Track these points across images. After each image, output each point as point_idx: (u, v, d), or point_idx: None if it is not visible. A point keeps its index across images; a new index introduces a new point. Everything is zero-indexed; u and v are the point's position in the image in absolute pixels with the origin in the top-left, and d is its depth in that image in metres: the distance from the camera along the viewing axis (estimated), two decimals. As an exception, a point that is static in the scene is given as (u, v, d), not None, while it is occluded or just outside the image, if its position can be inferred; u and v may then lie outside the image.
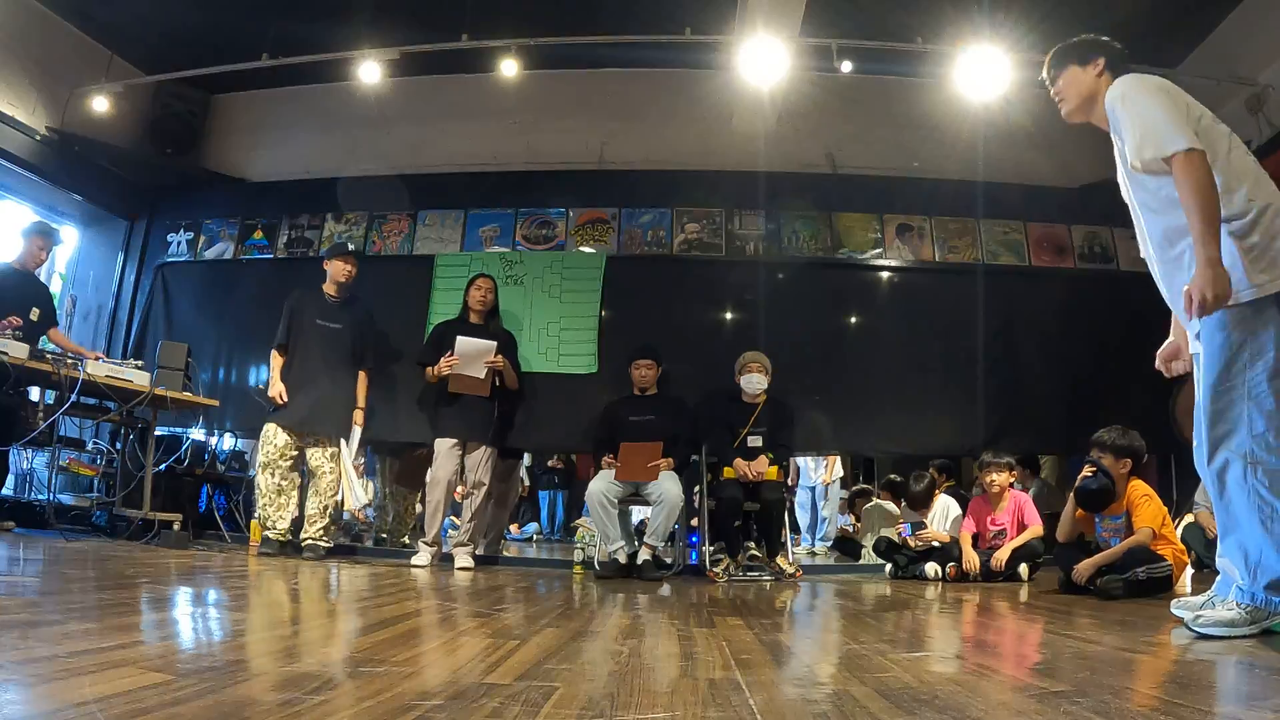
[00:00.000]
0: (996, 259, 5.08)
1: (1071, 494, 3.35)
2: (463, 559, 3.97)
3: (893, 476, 5.67)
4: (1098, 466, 3.21)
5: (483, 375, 4.12)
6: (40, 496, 4.13)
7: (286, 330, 4.20)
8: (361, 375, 4.30)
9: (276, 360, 4.20)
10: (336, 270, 4.29)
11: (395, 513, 5.13)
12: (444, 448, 4.08)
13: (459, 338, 4.12)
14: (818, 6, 4.50)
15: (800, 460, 6.73)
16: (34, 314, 4.24)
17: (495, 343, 4.16)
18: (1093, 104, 2.11)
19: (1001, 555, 3.77)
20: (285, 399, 4.06)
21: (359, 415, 4.25)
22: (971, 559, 3.80)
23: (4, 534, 3.73)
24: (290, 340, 4.20)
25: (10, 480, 4.22)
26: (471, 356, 4.10)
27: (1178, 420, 4.75)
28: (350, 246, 4.69)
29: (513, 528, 7.86)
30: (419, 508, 5.40)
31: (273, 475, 4.04)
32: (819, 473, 6.90)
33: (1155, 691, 1.26)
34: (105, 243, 5.78)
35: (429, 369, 4.20)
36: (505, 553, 5.04)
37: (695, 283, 5.03)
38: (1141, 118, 1.90)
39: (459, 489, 4.24)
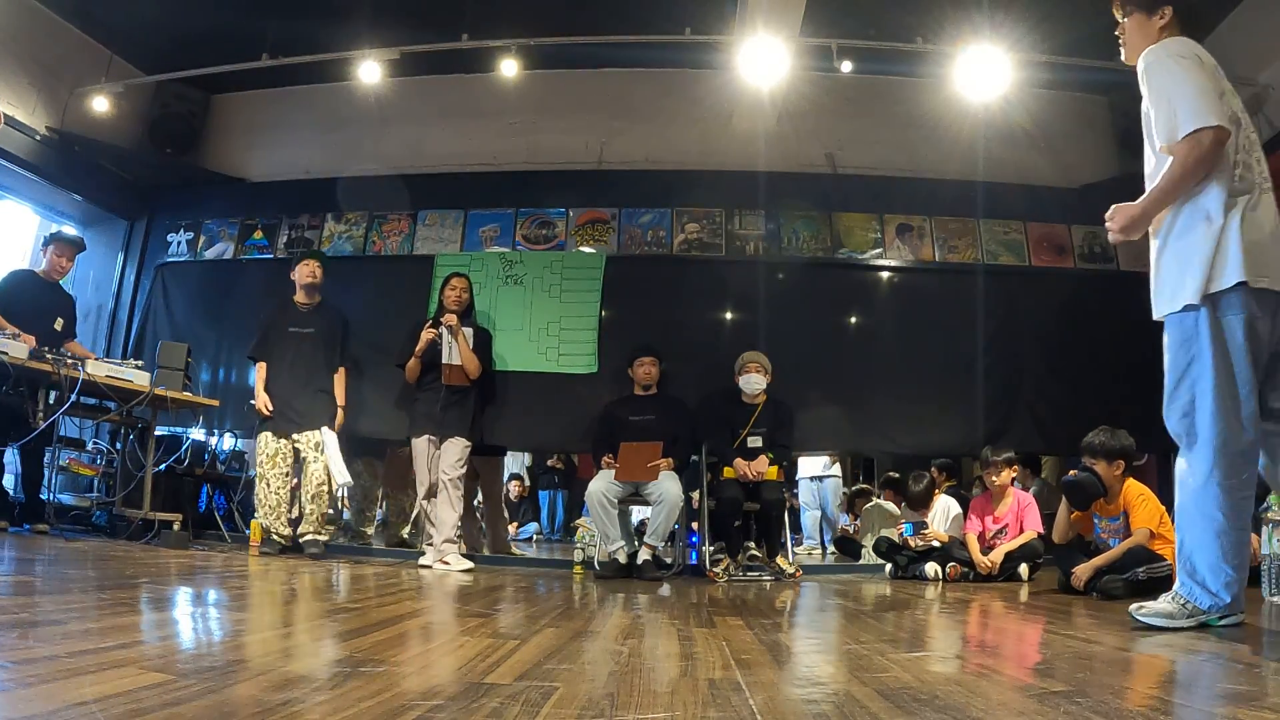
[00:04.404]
0: (996, 259, 5.08)
1: (1063, 495, 3.36)
2: (457, 560, 3.88)
3: (892, 474, 5.66)
4: (1079, 466, 3.24)
5: (446, 344, 4.11)
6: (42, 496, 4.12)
7: (258, 343, 4.33)
8: (338, 376, 4.37)
9: (261, 371, 4.30)
10: (299, 276, 4.38)
11: (399, 509, 5.13)
12: (419, 447, 4.09)
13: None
14: (818, 6, 4.49)
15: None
16: (57, 324, 4.26)
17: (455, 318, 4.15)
18: None
19: (995, 558, 3.78)
20: (270, 410, 4.18)
21: (340, 414, 4.33)
22: (982, 560, 3.80)
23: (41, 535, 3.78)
24: (267, 351, 4.30)
25: (10, 480, 4.22)
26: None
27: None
28: (316, 250, 4.75)
29: (511, 527, 7.86)
30: (421, 506, 5.40)
31: (269, 483, 4.16)
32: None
33: (1155, 691, 1.26)
34: (105, 243, 5.78)
35: (408, 365, 4.19)
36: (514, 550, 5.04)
37: (695, 283, 5.03)
38: (1167, 94, 1.90)
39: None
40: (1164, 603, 1.93)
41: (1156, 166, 1.99)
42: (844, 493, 7.14)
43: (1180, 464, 1.95)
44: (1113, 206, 2.02)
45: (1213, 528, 1.85)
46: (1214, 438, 1.85)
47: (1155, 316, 2.01)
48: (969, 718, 1.02)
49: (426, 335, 4.12)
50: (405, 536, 5.06)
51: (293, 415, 4.19)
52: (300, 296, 4.39)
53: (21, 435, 3.68)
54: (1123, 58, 2.17)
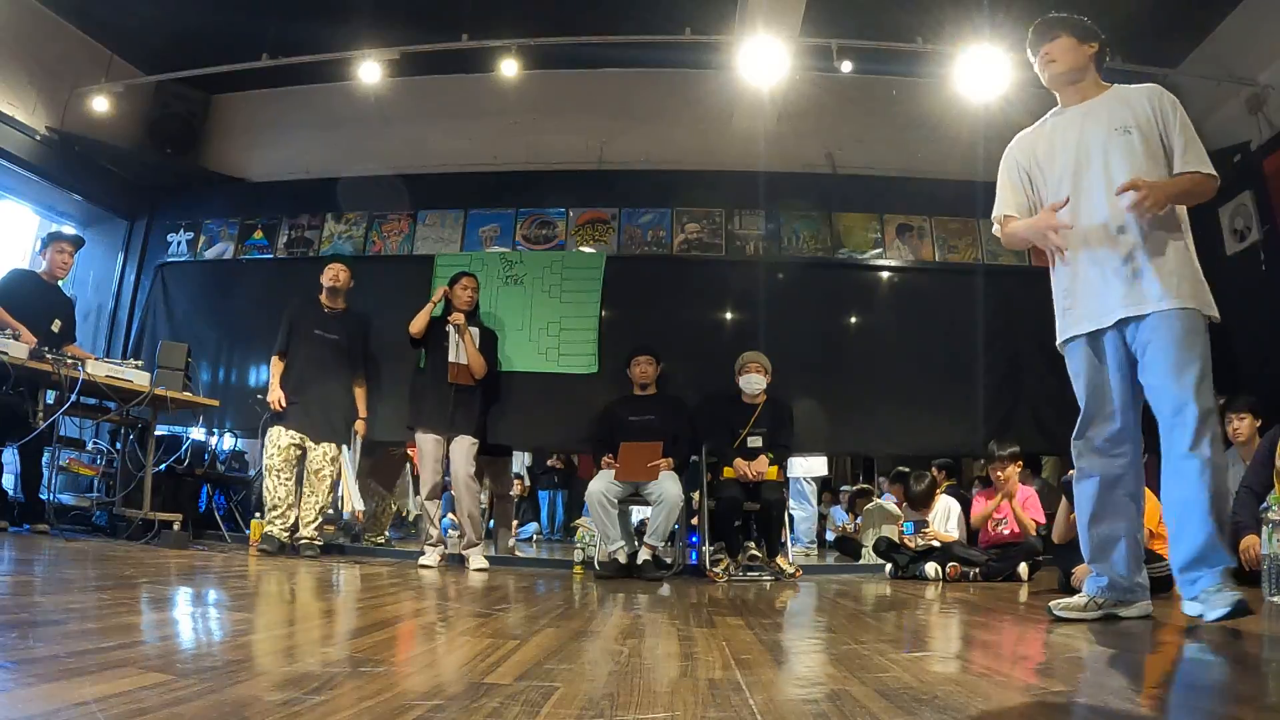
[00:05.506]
0: (996, 259, 5.07)
1: (1063, 494, 3.35)
2: (476, 560, 3.96)
3: (901, 468, 5.65)
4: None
5: (453, 343, 4.14)
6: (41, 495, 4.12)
7: (286, 338, 4.30)
8: (358, 387, 4.39)
9: (276, 366, 4.28)
10: (323, 278, 4.38)
11: (371, 512, 5.12)
12: (427, 444, 4.07)
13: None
14: (818, 6, 4.50)
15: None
16: (55, 325, 4.26)
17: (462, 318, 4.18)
18: (1078, 77, 2.25)
19: (1020, 515, 3.95)
20: (284, 405, 4.16)
21: (361, 425, 4.35)
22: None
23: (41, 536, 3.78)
24: (290, 348, 4.28)
25: (10, 480, 4.22)
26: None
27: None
28: (339, 252, 4.78)
29: (512, 525, 7.86)
30: (394, 506, 5.42)
31: (278, 477, 4.14)
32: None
33: (1155, 691, 1.25)
34: (105, 243, 5.78)
35: (416, 319, 4.16)
36: (516, 553, 5.05)
37: (695, 283, 5.03)
38: (1196, 136, 2.11)
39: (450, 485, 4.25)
40: (1226, 591, 1.90)
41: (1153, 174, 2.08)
42: (845, 490, 7.15)
43: (1204, 451, 1.93)
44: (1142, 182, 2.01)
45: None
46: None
47: (1161, 306, 2.01)
48: (969, 718, 1.02)
49: (441, 291, 4.21)
50: (378, 540, 5.04)
51: (311, 418, 4.19)
52: (324, 298, 4.39)
53: (21, 435, 3.68)
54: (1046, 77, 2.30)
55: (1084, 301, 2.18)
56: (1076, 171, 2.21)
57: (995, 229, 2.50)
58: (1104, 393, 2.17)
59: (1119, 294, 2.09)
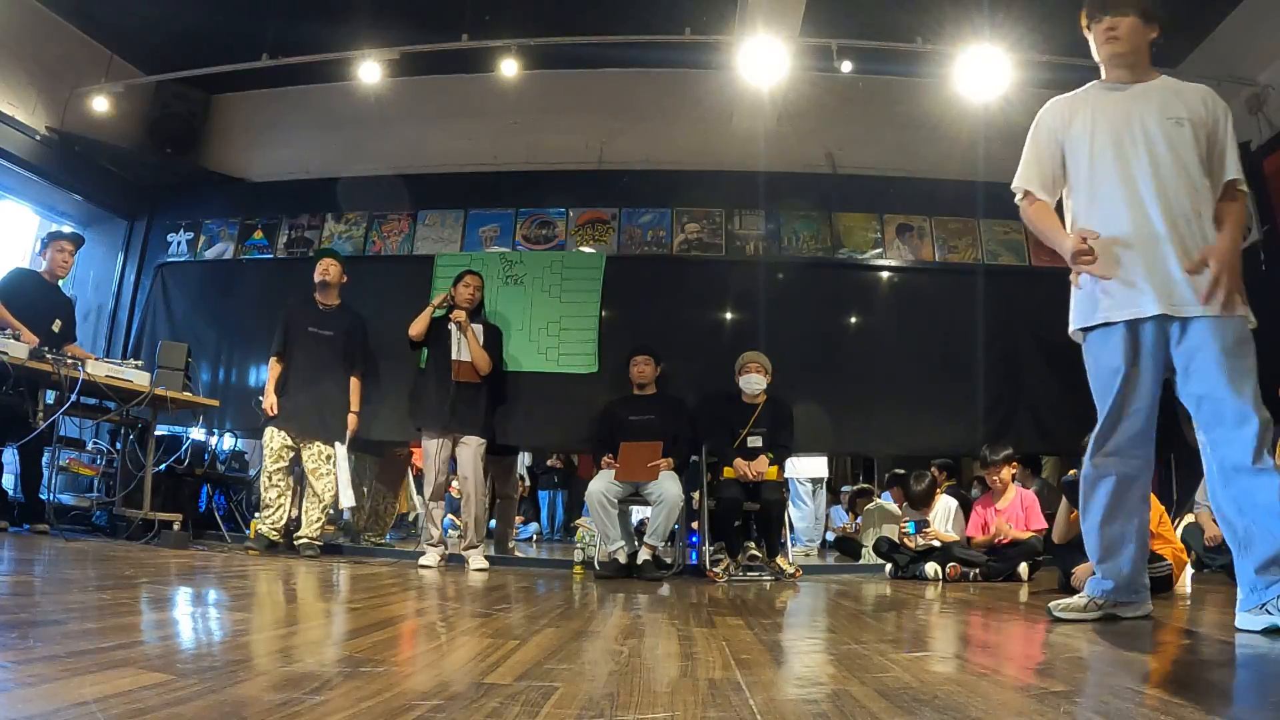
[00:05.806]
0: (996, 259, 5.08)
1: (1063, 494, 3.36)
2: (477, 560, 3.98)
3: (898, 470, 5.66)
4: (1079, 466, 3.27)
5: (455, 340, 4.12)
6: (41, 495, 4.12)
7: (283, 340, 4.28)
8: (354, 381, 4.37)
9: (274, 370, 4.27)
10: (315, 273, 4.37)
11: (374, 511, 5.12)
12: (431, 445, 4.06)
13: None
14: (818, 6, 4.50)
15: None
16: (55, 325, 4.26)
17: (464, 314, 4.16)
18: (1136, 60, 2.18)
19: (1007, 530, 3.90)
20: (276, 411, 4.15)
21: (353, 420, 4.32)
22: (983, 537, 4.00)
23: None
24: (286, 348, 4.27)
25: (10, 480, 4.22)
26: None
27: (1180, 418, 4.74)
28: (329, 247, 4.79)
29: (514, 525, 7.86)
30: (396, 507, 5.42)
31: (270, 478, 4.14)
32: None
33: (1155, 691, 1.25)
34: (105, 243, 5.78)
35: (417, 322, 4.15)
36: (516, 553, 5.06)
37: (695, 283, 5.03)
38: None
39: (454, 485, 4.24)
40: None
41: (1200, 180, 2.08)
42: (845, 491, 7.15)
43: (1268, 461, 1.88)
44: (1218, 259, 1.97)
45: None
46: None
47: (1214, 311, 1.98)
48: (969, 718, 1.02)
49: (442, 296, 4.21)
50: (378, 540, 5.03)
51: (305, 416, 4.17)
52: (318, 295, 4.37)
53: (21, 435, 3.69)
54: (1104, 52, 2.20)
55: (1120, 288, 2.07)
56: (1118, 149, 2.13)
57: (1017, 198, 2.36)
58: (1134, 386, 2.08)
59: (1163, 287, 2.01)
